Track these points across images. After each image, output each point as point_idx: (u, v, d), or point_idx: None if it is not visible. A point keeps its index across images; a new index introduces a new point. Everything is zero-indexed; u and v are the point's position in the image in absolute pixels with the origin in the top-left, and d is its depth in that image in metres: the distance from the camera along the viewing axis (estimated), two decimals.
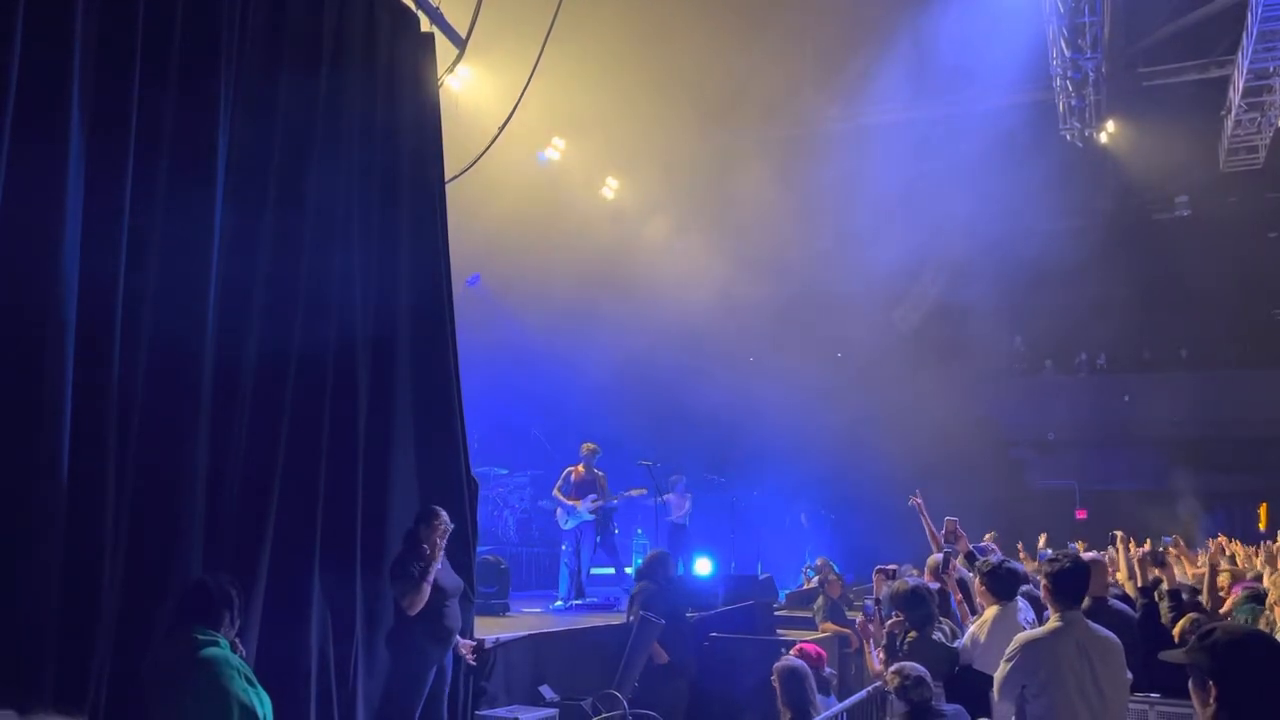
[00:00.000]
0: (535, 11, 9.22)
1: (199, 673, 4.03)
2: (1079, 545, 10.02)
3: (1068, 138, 16.21)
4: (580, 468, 11.23)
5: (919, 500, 7.27)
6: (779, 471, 16.60)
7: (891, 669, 5.19)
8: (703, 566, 11.81)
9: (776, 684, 5.45)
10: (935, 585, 6.45)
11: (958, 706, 5.10)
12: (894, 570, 8.41)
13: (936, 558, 6.80)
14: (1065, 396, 19.76)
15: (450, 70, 8.80)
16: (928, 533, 7.20)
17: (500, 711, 6.97)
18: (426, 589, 5.99)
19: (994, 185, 15.12)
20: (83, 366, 4.57)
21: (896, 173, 15.43)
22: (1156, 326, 19.81)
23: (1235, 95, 15.24)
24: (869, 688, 6.22)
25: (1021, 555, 11.88)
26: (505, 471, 13.12)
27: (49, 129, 4.52)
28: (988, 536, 11.06)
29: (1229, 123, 16.09)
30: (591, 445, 11.38)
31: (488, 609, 8.95)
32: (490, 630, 7.41)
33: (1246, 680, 2.63)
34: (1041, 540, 11.82)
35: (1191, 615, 6.10)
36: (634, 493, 11.53)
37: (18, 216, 4.36)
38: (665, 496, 12.33)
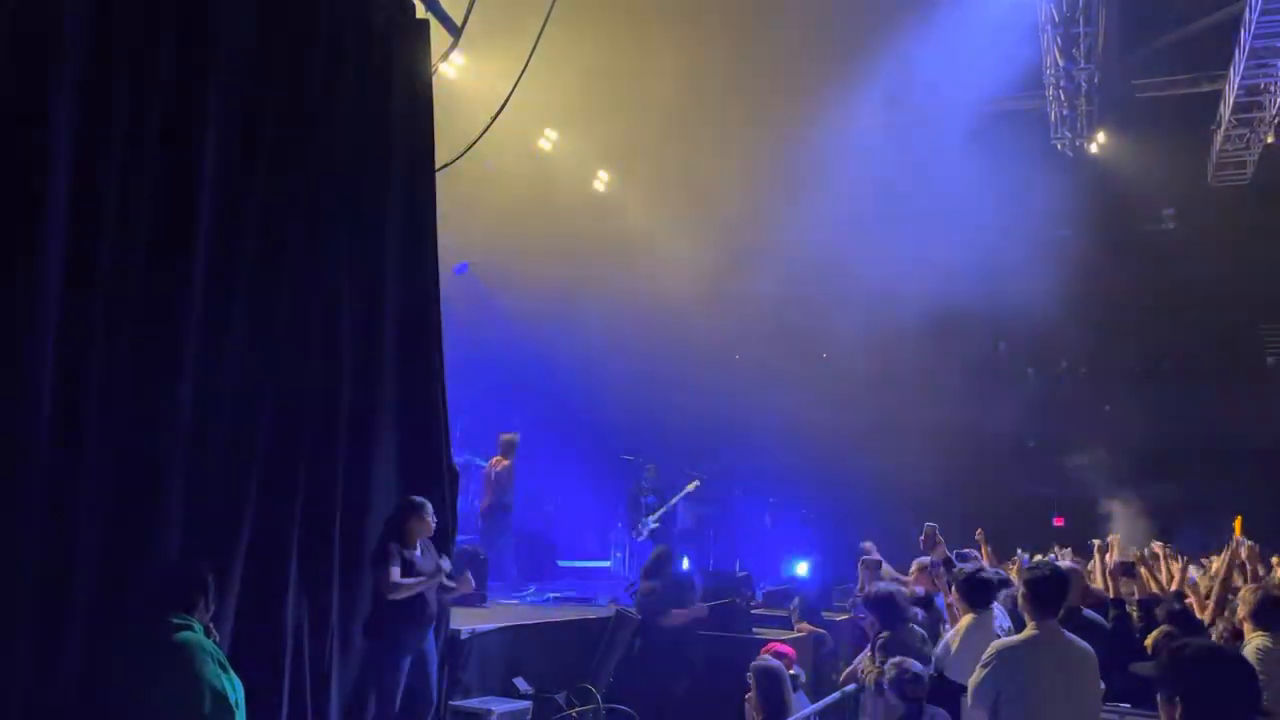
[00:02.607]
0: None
1: (172, 658, 4.02)
2: (1062, 553, 9.93)
3: (1058, 147, 16.26)
4: (502, 459, 11.45)
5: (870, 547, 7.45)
6: (761, 470, 16.61)
7: (892, 660, 5.20)
8: None
9: (752, 684, 5.46)
10: (923, 590, 6.50)
11: (943, 710, 5.11)
12: (879, 562, 8.41)
13: (923, 560, 6.85)
14: (1046, 404, 19.83)
15: (444, 58, 8.74)
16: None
17: (473, 702, 6.98)
18: (408, 586, 6.01)
19: (982, 191, 15.14)
20: (62, 349, 4.53)
21: (885, 176, 15.44)
22: (1139, 337, 19.92)
23: (1226, 110, 15.31)
24: (842, 690, 6.24)
25: (1005, 563, 11.83)
26: (486, 462, 13.07)
27: (34, 111, 4.48)
28: (1011, 567, 10.96)
29: (1218, 138, 16.15)
30: (509, 436, 11.68)
31: (465, 599, 8.93)
32: (467, 621, 7.40)
33: (1210, 697, 2.67)
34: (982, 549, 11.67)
35: (1164, 628, 6.12)
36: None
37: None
38: None
